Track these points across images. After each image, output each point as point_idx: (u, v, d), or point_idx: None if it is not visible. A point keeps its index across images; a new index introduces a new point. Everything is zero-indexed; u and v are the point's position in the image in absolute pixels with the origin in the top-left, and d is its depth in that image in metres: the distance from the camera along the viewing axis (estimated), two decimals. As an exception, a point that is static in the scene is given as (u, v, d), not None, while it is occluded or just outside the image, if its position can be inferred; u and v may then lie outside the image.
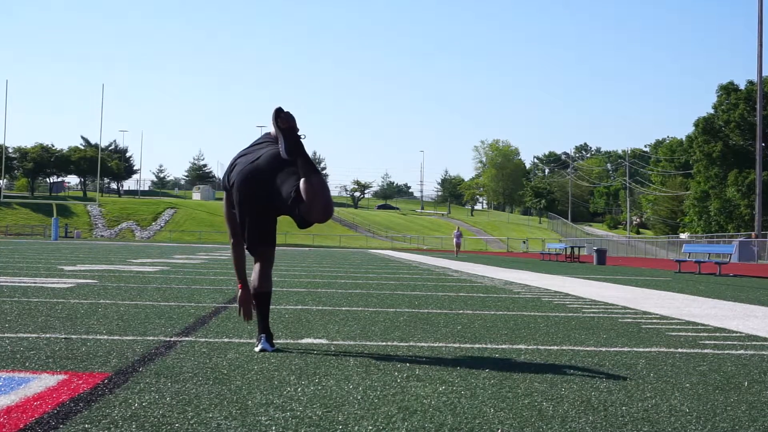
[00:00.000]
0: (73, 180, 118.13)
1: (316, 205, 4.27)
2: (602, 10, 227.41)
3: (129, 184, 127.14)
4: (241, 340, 5.03)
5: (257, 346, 4.63)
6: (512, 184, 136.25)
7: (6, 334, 5.01)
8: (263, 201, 4.60)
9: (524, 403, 3.33)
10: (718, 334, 6.16)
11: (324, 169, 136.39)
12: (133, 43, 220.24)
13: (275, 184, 4.52)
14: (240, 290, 4.88)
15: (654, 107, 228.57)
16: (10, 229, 74.70)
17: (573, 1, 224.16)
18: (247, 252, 4.86)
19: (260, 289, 4.67)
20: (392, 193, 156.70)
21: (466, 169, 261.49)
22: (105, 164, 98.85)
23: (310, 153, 4.53)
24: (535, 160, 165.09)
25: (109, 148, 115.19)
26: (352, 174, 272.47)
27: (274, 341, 4.73)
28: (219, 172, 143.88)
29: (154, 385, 3.48)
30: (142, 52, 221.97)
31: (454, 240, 42.51)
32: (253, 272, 4.73)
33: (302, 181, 4.31)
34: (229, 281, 11.78)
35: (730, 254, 24.67)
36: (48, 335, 5.02)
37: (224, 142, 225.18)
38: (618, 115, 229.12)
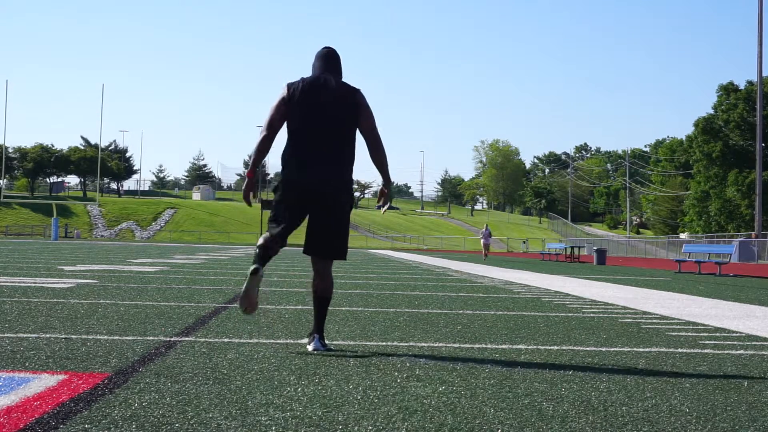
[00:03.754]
0: (73, 180, 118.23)
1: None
2: (602, 10, 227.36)
3: (129, 184, 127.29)
4: (241, 340, 5.03)
5: (309, 345, 4.67)
6: (512, 184, 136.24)
7: (6, 334, 5.01)
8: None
9: (524, 403, 3.33)
10: (718, 334, 6.16)
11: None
12: (133, 43, 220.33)
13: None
14: (248, 179, 4.81)
15: (654, 107, 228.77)
16: (10, 229, 74.70)
17: (573, 1, 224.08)
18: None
19: (325, 294, 4.72)
20: (392, 193, 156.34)
21: (466, 169, 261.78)
22: (105, 164, 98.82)
23: None
24: (535, 160, 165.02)
25: (109, 148, 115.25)
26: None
27: (273, 341, 4.73)
28: (219, 172, 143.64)
29: (154, 385, 3.48)
30: (142, 52, 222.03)
31: (482, 240, 36.17)
32: (316, 273, 4.73)
33: None
34: (229, 281, 11.77)
35: (730, 254, 24.67)
36: (48, 335, 5.01)
37: (224, 142, 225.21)
38: (618, 115, 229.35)
